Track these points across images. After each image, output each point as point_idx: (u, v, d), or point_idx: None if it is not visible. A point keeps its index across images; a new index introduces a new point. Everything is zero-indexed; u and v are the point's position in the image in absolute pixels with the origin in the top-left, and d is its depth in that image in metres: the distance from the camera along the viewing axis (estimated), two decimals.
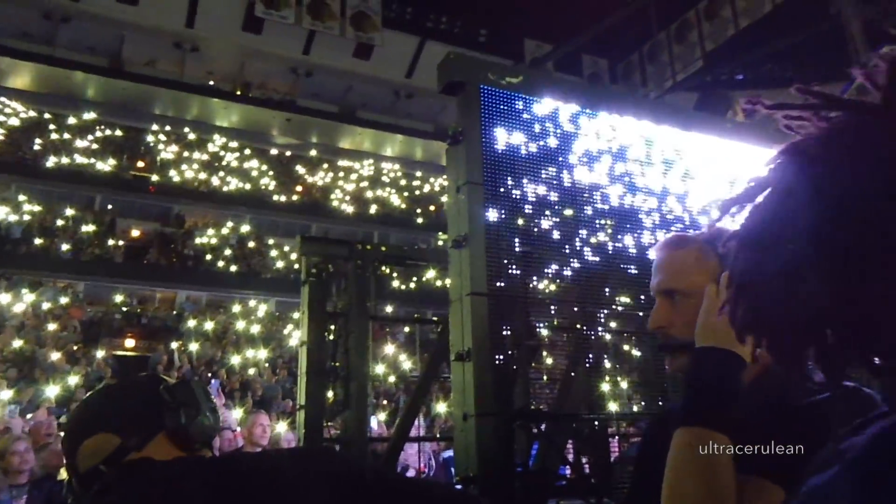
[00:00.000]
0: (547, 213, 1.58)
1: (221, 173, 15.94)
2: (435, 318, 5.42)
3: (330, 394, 3.38)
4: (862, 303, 0.51)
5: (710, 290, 1.04)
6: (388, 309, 9.33)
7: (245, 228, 15.08)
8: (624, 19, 9.35)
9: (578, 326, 1.73)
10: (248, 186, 16.03)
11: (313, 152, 19.04)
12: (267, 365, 10.30)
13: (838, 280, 0.52)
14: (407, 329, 11.49)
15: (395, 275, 11.41)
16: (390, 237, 15.69)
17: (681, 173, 1.86)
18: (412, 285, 12.58)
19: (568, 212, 1.60)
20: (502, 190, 1.53)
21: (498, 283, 1.49)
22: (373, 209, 17.47)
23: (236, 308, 12.39)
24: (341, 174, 18.80)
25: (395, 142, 18.87)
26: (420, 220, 17.12)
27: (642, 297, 1.62)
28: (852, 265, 0.51)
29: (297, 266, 7.88)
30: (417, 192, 19.23)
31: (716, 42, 10.77)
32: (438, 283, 10.59)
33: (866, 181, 0.51)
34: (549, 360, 1.89)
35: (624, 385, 1.92)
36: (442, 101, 11.70)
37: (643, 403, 1.90)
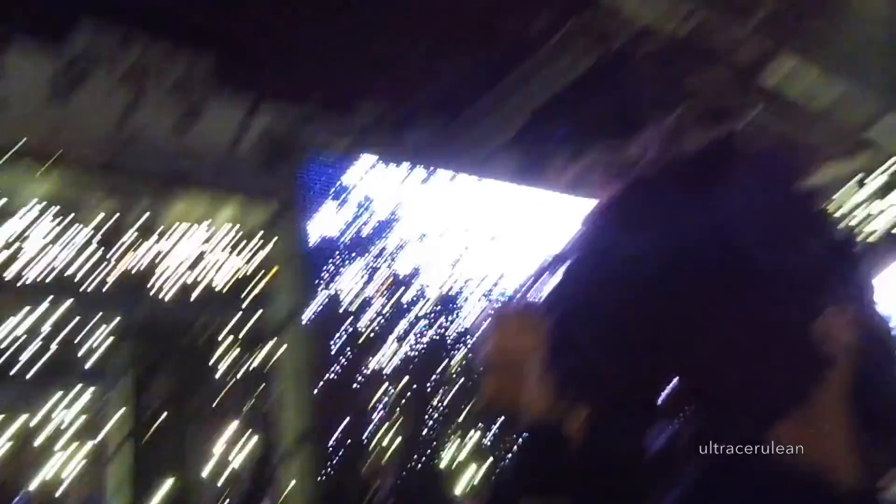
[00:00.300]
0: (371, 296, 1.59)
1: None
2: None
3: None
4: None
5: (534, 364, 1.06)
6: None
7: None
8: (451, 85, 9.82)
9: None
10: None
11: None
12: None
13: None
14: None
15: None
16: None
17: (496, 234, 1.96)
18: None
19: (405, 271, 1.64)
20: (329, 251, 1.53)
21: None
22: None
23: None
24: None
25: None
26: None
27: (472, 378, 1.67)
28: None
29: None
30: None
31: (537, 102, 11.51)
32: None
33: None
34: None
35: None
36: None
37: None
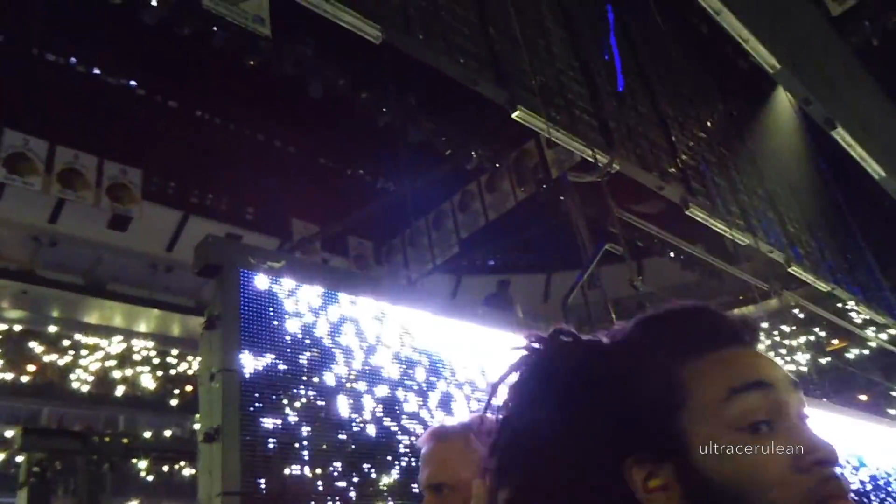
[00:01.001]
0: (307, 401, 1.52)
1: None
2: None
3: None
4: None
5: (476, 485, 1.02)
6: None
7: None
8: (386, 206, 10.01)
9: None
10: None
11: (52, 328, 17.01)
12: None
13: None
14: None
15: (142, 465, 10.16)
16: (139, 421, 14.13)
17: (440, 360, 1.93)
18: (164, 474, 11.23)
19: (329, 401, 1.55)
20: (260, 379, 1.45)
21: (257, 481, 1.37)
22: (119, 391, 15.75)
23: None
24: (84, 352, 16.91)
25: (150, 317, 17.57)
26: (175, 402, 15.71)
27: (413, 487, 1.58)
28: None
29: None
30: (173, 371, 17.77)
31: (469, 230, 11.85)
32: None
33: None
34: None
35: None
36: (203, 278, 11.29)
37: None
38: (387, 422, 1.66)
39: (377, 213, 10.56)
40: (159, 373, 17.65)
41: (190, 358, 19.26)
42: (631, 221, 5.18)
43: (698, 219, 6.80)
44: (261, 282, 1.54)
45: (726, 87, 8.95)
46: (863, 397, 16.58)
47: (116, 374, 16.49)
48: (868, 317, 10.36)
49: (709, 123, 8.01)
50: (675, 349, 0.61)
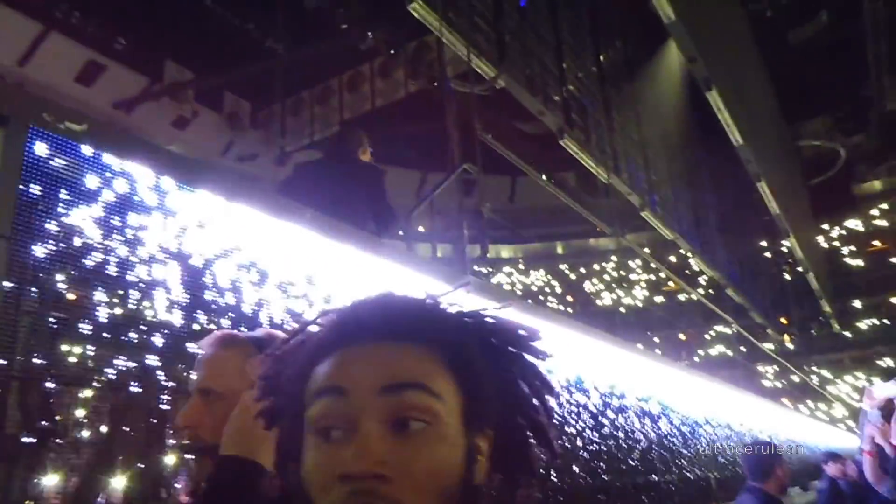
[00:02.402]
0: (83, 287, 1.46)
1: None
2: None
3: None
4: None
5: (246, 396, 1.02)
6: None
7: None
8: (270, 69, 9.49)
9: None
10: None
11: None
12: None
13: None
14: None
15: None
16: None
17: (248, 260, 1.90)
18: None
19: (106, 286, 1.50)
20: (31, 249, 1.36)
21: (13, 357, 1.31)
22: None
23: None
24: None
25: None
26: None
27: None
28: None
29: None
30: None
31: (353, 112, 11.54)
32: None
33: None
34: None
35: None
36: (56, 100, 10.33)
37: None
38: (175, 318, 1.62)
39: (260, 73, 10.00)
40: None
41: None
42: (494, 147, 5.22)
43: (570, 150, 6.99)
44: (53, 142, 1.43)
45: (628, 26, 9.04)
46: (682, 336, 18.34)
47: None
48: (699, 268, 11.29)
49: (602, 58, 8.11)
50: (313, 352, 0.63)
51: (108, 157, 1.51)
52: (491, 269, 17.91)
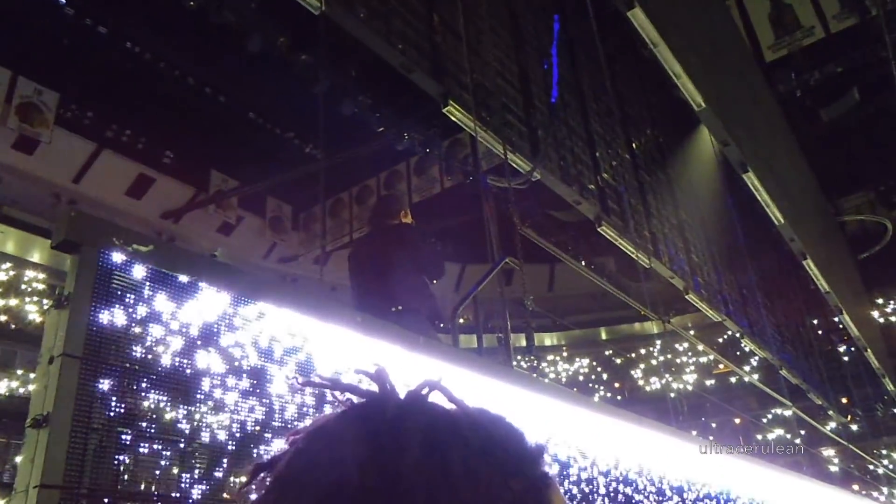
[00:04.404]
0: (155, 404, 1.48)
1: None
2: None
3: None
4: None
5: None
6: None
7: None
8: (310, 173, 9.84)
9: None
10: None
11: None
12: None
13: None
14: None
15: None
16: (17, 356, 13.50)
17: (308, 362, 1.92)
18: None
19: (174, 402, 1.52)
20: (105, 370, 1.40)
21: (81, 477, 1.32)
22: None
23: None
24: None
25: (45, 247, 16.71)
26: None
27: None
28: None
29: None
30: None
31: None
32: None
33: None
34: None
35: None
36: (109, 214, 10.84)
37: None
38: (233, 427, 1.63)
39: (301, 178, 10.37)
40: (45, 305, 16.77)
41: None
42: (532, 239, 5.27)
43: (608, 237, 7.00)
44: (123, 265, 1.49)
45: (657, 113, 9.22)
46: (737, 420, 17.62)
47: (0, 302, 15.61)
48: (749, 349, 10.97)
49: (634, 146, 8.23)
50: None
51: (173, 276, 1.57)
52: (534, 359, 17.65)
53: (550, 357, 18.17)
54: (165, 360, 1.50)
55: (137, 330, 1.46)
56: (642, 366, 18.17)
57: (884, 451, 16.15)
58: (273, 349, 1.80)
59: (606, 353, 18.35)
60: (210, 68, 10.69)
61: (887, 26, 8.62)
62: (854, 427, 16.17)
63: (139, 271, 1.50)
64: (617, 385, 18.00)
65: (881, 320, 16.61)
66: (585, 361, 18.15)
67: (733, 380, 17.58)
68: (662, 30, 5.10)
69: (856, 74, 10.53)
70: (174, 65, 10.66)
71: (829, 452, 16.33)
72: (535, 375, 4.41)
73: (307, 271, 12.51)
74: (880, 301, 16.61)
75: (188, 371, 1.54)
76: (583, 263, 12.70)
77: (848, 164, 11.92)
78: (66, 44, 10.36)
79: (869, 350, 12.18)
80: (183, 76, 10.80)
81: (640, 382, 17.98)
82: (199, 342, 1.58)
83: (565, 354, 18.25)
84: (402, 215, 4.78)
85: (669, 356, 18.25)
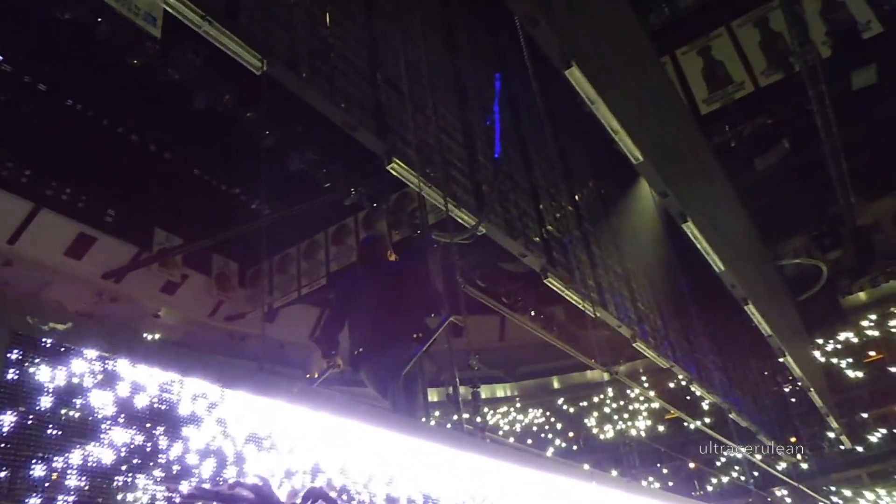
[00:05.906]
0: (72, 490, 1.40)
1: None
2: None
3: None
4: None
5: None
6: None
7: None
8: (256, 229, 9.72)
9: None
10: None
11: None
12: None
13: None
14: None
15: None
16: None
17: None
18: None
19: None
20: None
21: None
22: None
23: None
24: None
25: None
26: None
27: None
28: None
29: None
30: None
31: (340, 264, 11.72)
32: None
33: None
34: None
35: None
36: (47, 275, 10.47)
37: None
38: None
39: (247, 234, 10.24)
40: None
41: None
42: (475, 297, 5.30)
43: (554, 288, 7.07)
44: (35, 345, 1.42)
45: (599, 166, 9.46)
46: (692, 465, 17.69)
47: None
48: (699, 393, 11.11)
49: (577, 198, 8.41)
50: None
51: (94, 356, 1.50)
52: (488, 410, 17.50)
53: (503, 409, 18.04)
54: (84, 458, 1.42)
55: (54, 412, 1.39)
56: (595, 414, 18.19)
57: (832, 488, 16.39)
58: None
59: (559, 401, 18.33)
60: (155, 125, 10.57)
61: (809, 80, 9.09)
62: (804, 466, 16.42)
63: (57, 350, 1.44)
64: (571, 434, 17.92)
65: (822, 359, 17.06)
66: (539, 412, 18.08)
67: (687, 425, 17.73)
68: (600, 87, 5.27)
69: (786, 125, 11.04)
70: (117, 122, 10.50)
71: (781, 493, 16.49)
72: (485, 434, 4.35)
73: (255, 329, 12.25)
74: (820, 341, 17.08)
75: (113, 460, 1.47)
76: (532, 313, 12.77)
77: (784, 210, 12.38)
78: (2, 100, 10.13)
79: (812, 390, 12.46)
80: (127, 133, 10.64)
81: (595, 431, 17.95)
82: (125, 426, 1.51)
83: (518, 405, 18.15)
84: (388, 255, 5.11)
85: (622, 402, 18.32)
